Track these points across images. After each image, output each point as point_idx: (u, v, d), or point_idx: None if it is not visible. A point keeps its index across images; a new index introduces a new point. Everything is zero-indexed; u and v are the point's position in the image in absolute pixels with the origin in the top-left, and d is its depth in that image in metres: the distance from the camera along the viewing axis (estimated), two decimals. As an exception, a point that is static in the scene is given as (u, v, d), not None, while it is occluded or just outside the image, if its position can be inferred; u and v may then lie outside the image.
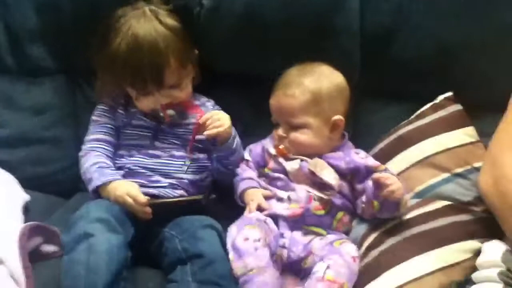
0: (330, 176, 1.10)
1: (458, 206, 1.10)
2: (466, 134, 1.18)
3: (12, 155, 1.35)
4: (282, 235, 1.09)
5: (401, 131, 1.21)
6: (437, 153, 1.15)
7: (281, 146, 1.15)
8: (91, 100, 1.34)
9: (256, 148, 1.24)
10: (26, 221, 1.13)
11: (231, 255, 1.02)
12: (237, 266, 1.00)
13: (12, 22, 1.36)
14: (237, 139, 1.20)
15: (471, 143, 1.17)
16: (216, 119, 1.15)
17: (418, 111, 1.23)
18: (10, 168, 1.30)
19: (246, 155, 1.23)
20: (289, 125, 1.14)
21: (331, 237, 1.10)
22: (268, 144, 1.21)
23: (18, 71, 1.39)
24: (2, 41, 1.38)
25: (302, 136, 1.13)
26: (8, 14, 1.36)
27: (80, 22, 1.30)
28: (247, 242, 1.01)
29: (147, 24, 1.14)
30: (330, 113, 1.14)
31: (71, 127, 1.40)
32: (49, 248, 1.10)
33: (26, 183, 1.28)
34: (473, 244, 1.05)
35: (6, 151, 1.35)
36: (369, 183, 1.09)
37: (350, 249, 1.06)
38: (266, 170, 1.19)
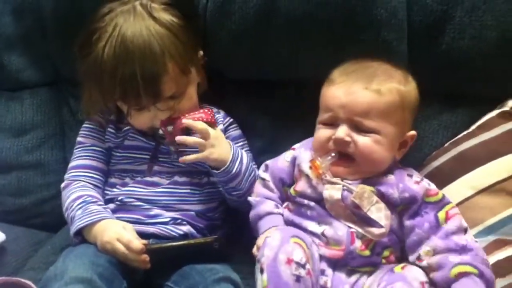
0: (379, 215, 0.94)
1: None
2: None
3: (-11, 184, 1.29)
4: (323, 272, 0.96)
5: (462, 147, 1.09)
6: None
7: (318, 161, 0.97)
8: (79, 117, 1.26)
9: (276, 162, 1.08)
10: (0, 265, 1.08)
11: (265, 277, 0.87)
12: None
13: (-15, 29, 1.31)
14: (242, 163, 1.07)
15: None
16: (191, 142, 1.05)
17: (482, 120, 1.11)
18: (-14, 199, 1.26)
19: (262, 173, 1.09)
20: (356, 127, 0.97)
21: (385, 266, 0.95)
22: (302, 155, 1.03)
23: (-6, 85, 1.34)
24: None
25: (375, 146, 0.96)
26: (-20, 20, 1.30)
27: (65, 25, 1.22)
28: (290, 266, 0.87)
29: (137, 23, 1.02)
30: (407, 126, 1.00)
31: (57, 148, 1.33)
32: (22, 308, 0.98)
33: (6, 217, 1.24)
34: None
35: (-18, 180, 1.29)
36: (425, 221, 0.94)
37: (416, 273, 0.92)
38: (292, 191, 1.02)
